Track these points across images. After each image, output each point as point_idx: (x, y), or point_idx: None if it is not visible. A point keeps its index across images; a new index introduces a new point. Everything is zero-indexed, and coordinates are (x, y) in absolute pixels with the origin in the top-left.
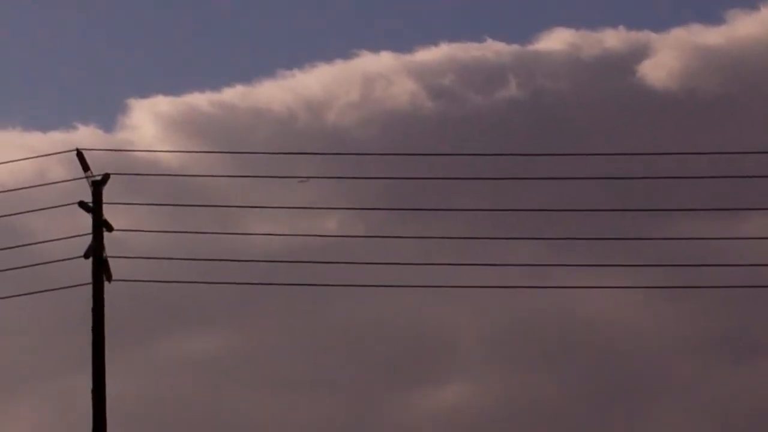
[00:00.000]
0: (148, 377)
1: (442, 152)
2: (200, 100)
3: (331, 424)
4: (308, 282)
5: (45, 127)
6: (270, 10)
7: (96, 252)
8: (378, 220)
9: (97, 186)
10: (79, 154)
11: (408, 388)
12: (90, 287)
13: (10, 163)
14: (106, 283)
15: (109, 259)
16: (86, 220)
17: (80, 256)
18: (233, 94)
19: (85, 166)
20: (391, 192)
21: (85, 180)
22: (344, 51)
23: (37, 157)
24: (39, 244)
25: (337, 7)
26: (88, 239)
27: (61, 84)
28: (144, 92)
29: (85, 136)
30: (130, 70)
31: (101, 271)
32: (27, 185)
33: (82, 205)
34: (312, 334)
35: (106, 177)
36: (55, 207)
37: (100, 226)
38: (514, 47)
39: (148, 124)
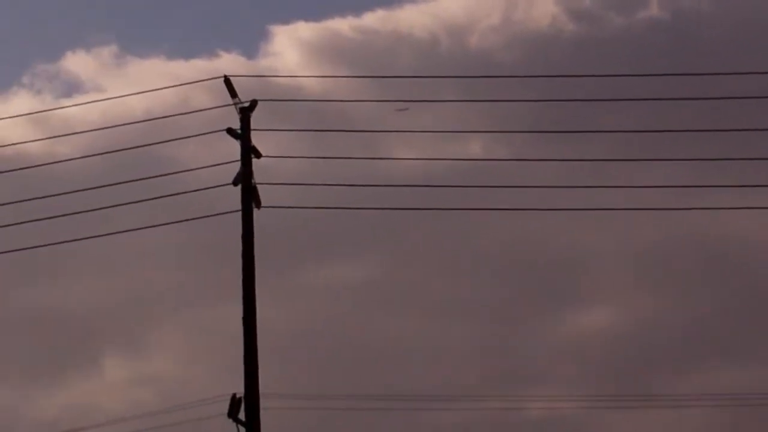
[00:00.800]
0: (297, 303)
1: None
2: (342, 25)
3: (479, 347)
4: (453, 206)
5: (188, 54)
6: None
7: (245, 179)
8: (521, 143)
9: (245, 112)
10: (227, 81)
11: (553, 310)
12: (239, 214)
13: (156, 91)
14: (255, 210)
15: (257, 186)
16: (232, 147)
17: (229, 183)
18: (374, 19)
19: (233, 93)
20: (535, 115)
21: (229, 107)
22: None
23: (184, 84)
24: (187, 172)
25: None
26: (234, 166)
27: (203, 12)
28: (285, 18)
29: (228, 63)
30: None
31: (251, 197)
32: (171, 113)
33: (230, 131)
34: (457, 258)
35: (253, 103)
36: (203, 134)
37: (249, 152)
38: None
39: (291, 51)
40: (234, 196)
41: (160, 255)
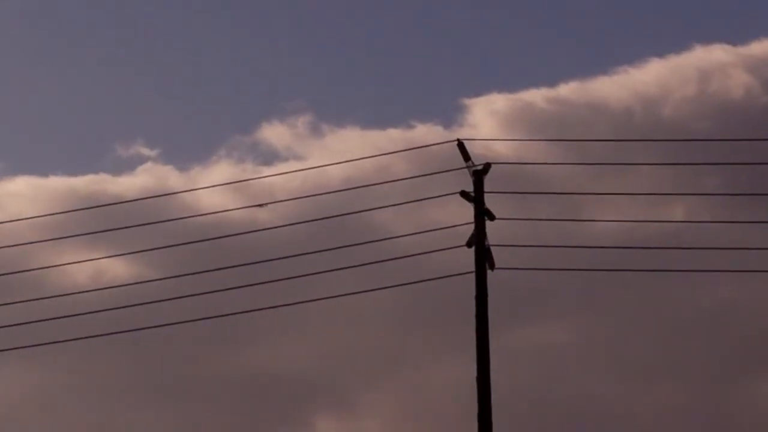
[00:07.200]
0: (509, 364)
1: None
2: (536, 96)
3: (682, 411)
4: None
5: (383, 124)
6: (603, 5)
7: (479, 240)
8: (725, 206)
9: (479, 175)
10: (460, 144)
11: (757, 374)
12: (467, 276)
13: (354, 160)
14: (489, 271)
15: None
16: (433, 212)
17: (462, 245)
18: (568, 90)
19: (466, 156)
20: (736, 179)
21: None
22: (676, 45)
23: (413, 149)
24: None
25: (670, 1)
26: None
27: (395, 83)
28: (478, 90)
29: (424, 133)
30: (464, 69)
31: (484, 259)
32: (370, 181)
33: (464, 194)
34: (661, 320)
35: (487, 166)
36: (437, 197)
37: (482, 215)
38: None
39: (486, 122)
40: (461, 257)
41: (367, 318)
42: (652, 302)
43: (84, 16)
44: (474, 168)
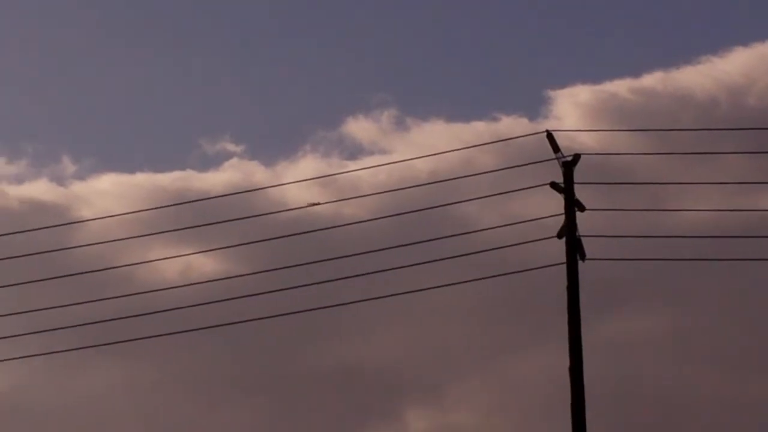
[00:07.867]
0: (606, 354)
1: None
2: (620, 87)
3: None
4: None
5: (467, 117)
6: None
7: (570, 231)
8: None
9: (568, 167)
10: (549, 136)
11: None
12: (559, 267)
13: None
14: (579, 262)
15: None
16: (516, 206)
17: (553, 236)
18: (653, 81)
19: (555, 148)
20: None
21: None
22: (761, 33)
23: (499, 141)
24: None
25: None
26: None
27: (479, 76)
28: (563, 82)
29: (509, 125)
30: (548, 61)
31: (575, 250)
32: (455, 174)
33: (554, 185)
34: (751, 310)
35: (576, 157)
36: (527, 189)
37: (573, 205)
38: None
39: (571, 113)
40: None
41: (457, 311)
42: (742, 291)
43: (171, 12)
44: (563, 159)
